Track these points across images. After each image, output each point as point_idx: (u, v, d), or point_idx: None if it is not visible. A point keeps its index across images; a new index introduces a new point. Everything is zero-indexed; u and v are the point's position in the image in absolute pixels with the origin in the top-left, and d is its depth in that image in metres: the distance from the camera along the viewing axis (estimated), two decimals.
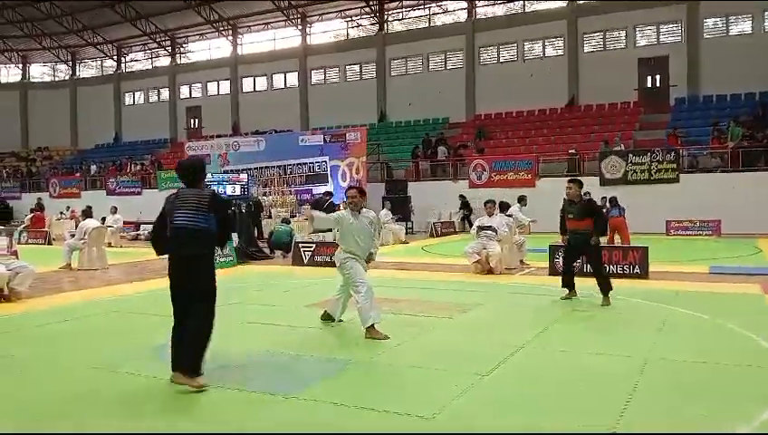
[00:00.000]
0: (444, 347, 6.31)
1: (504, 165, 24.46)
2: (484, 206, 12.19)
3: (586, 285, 9.20)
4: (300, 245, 13.88)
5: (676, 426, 4.05)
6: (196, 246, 5.13)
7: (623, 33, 29.02)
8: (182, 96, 41.16)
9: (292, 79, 37.12)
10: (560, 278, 9.14)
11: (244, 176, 19.19)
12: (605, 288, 8.44)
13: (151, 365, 5.69)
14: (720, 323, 7.04)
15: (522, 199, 14.94)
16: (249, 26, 38.46)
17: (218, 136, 33.39)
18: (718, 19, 27.28)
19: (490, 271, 11.57)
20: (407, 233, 21.13)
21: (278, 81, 37.89)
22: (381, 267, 13.16)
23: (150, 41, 41.46)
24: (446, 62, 33.00)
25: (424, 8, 33.96)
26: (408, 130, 32.20)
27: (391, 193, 24.50)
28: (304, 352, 6.20)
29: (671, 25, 28.17)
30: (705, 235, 19.89)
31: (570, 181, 9.01)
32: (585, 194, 17.25)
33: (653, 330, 6.92)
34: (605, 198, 16.45)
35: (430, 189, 25.67)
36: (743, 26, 27.09)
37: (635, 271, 10.66)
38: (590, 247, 8.64)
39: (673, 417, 4.23)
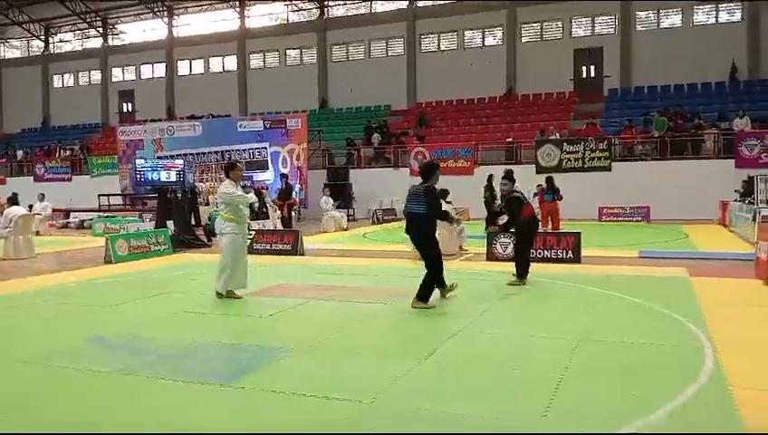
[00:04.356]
0: (383, 333, 6.34)
1: (445, 153, 24.69)
2: None
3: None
4: None
5: (605, 404, 4.19)
6: (413, 224, 7.55)
7: (560, 24, 29.67)
8: (114, 79, 39.73)
9: (231, 63, 36.37)
10: (497, 263, 9.39)
11: (179, 161, 18.71)
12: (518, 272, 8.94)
13: (84, 357, 5.51)
14: (648, 306, 7.31)
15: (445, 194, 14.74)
16: (185, 8, 37.37)
17: (152, 120, 32.41)
18: (650, 12, 28.24)
19: None
20: (348, 220, 21.08)
21: (215, 64, 37.05)
22: (322, 255, 13.13)
23: (80, 21, 39.73)
24: (387, 49, 32.98)
25: None
26: (350, 116, 32.08)
27: (333, 180, 24.43)
28: (241, 340, 6.12)
29: (606, 17, 28.99)
30: (636, 220, 20.67)
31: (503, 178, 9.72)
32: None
33: (585, 312, 7.14)
34: (540, 185, 16.79)
35: (372, 177, 25.67)
36: (673, 20, 28.14)
37: (568, 256, 10.97)
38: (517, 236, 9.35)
39: (602, 396, 4.37)
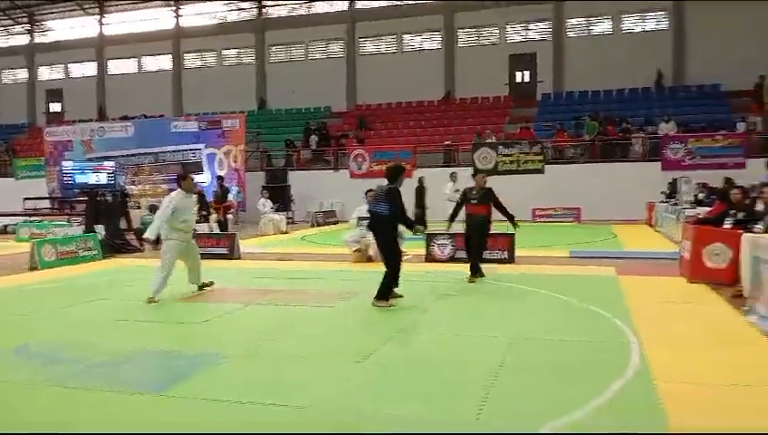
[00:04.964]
0: (322, 336, 6.31)
1: (384, 155, 24.78)
2: (365, 195, 12.27)
3: (458, 270, 9.59)
4: None
5: (536, 402, 4.30)
6: (377, 225, 7.64)
7: (496, 30, 30.29)
8: (41, 78, 38.16)
9: (165, 62, 35.49)
10: (437, 265, 9.52)
11: (110, 163, 18.13)
12: (476, 269, 9.26)
13: (7, 368, 5.30)
14: (578, 304, 7.55)
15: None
16: (117, 5, 36.19)
17: (82, 121, 31.23)
18: (582, 19, 29.20)
19: (370, 259, 11.70)
20: (287, 223, 20.90)
21: (149, 63, 36.10)
22: (260, 259, 12.96)
23: (5, 17, 37.91)
24: (326, 51, 32.90)
25: None
26: (289, 118, 31.81)
27: (271, 182, 24.19)
28: (176, 348, 5.97)
29: (539, 24, 29.79)
30: (568, 221, 21.31)
31: (476, 172, 10.37)
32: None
33: (518, 311, 7.32)
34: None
35: (311, 179, 25.53)
36: (603, 26, 29.18)
37: (503, 256, 11.20)
38: (483, 230, 9.50)
39: (534, 393, 4.48)
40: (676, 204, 16.68)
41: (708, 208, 12.32)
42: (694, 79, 27.16)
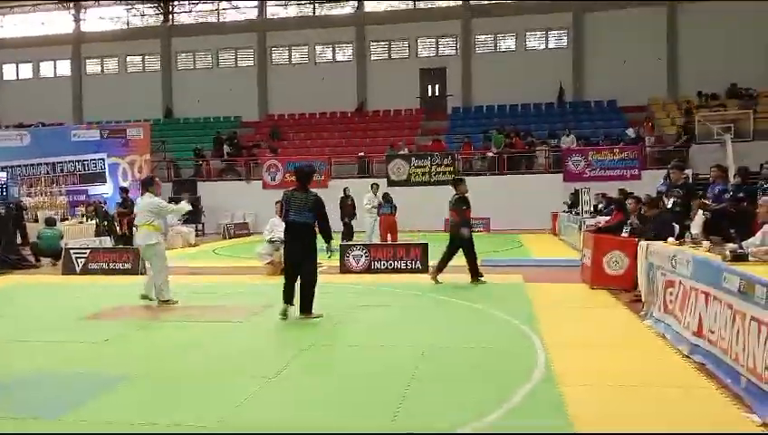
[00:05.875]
0: (233, 352, 6.14)
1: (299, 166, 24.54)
2: (276, 205, 12.10)
3: (373, 282, 9.62)
4: (72, 251, 12.58)
5: (448, 408, 4.36)
6: (300, 235, 7.33)
7: (407, 44, 30.82)
8: None
9: (64, 67, 33.72)
10: (352, 276, 9.58)
11: (2, 174, 17.04)
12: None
13: None
14: (488, 311, 7.75)
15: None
16: (11, 7, 34.09)
17: None
18: (488, 36, 30.20)
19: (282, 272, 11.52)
20: (197, 235, 20.29)
21: (47, 69, 34.17)
22: (169, 273, 12.45)
23: None
24: (236, 60, 32.37)
25: (213, 2, 32.90)
26: (198, 127, 30.99)
27: (178, 194, 23.40)
28: (76, 368, 5.64)
29: (448, 39, 30.56)
30: (477, 231, 21.85)
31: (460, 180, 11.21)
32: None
33: (431, 320, 7.43)
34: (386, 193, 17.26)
35: (222, 190, 24.96)
36: (509, 43, 30.29)
37: (416, 266, 11.35)
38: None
39: (446, 400, 4.55)
40: (577, 214, 17.47)
41: (607, 217, 12.93)
42: (592, 94, 28.69)
